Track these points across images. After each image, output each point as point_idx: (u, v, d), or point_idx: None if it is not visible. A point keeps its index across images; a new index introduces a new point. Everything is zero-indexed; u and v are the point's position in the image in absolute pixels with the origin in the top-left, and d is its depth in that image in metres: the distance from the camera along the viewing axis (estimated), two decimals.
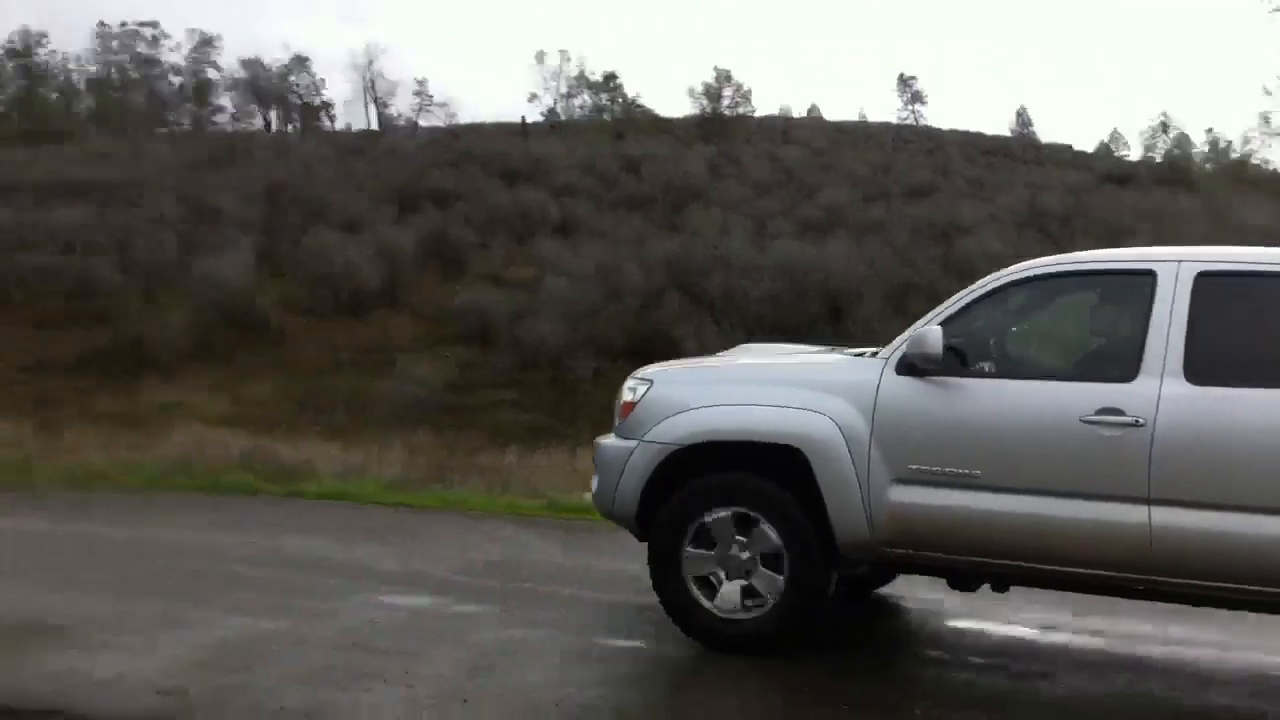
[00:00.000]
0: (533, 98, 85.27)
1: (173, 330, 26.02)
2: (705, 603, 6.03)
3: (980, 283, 6.13)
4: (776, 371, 6.55)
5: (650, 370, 6.64)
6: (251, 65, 65.68)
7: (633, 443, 6.30)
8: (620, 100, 71.64)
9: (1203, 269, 5.60)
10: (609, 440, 6.47)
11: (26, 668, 5.16)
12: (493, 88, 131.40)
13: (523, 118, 57.47)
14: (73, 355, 24.60)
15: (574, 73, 73.52)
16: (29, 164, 38.97)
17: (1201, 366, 5.41)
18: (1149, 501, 5.35)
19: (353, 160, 42.27)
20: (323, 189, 35.34)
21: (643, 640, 6.03)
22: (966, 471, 5.72)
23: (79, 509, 9.87)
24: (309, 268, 29.88)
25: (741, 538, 6.05)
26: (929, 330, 5.76)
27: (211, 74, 66.79)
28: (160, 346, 25.48)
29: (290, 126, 65.65)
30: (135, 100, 66.63)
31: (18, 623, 5.90)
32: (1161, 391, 5.42)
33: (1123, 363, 5.60)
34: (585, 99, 73.22)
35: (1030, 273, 6.07)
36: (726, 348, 7.66)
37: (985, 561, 5.80)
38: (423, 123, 64.25)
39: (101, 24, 66.66)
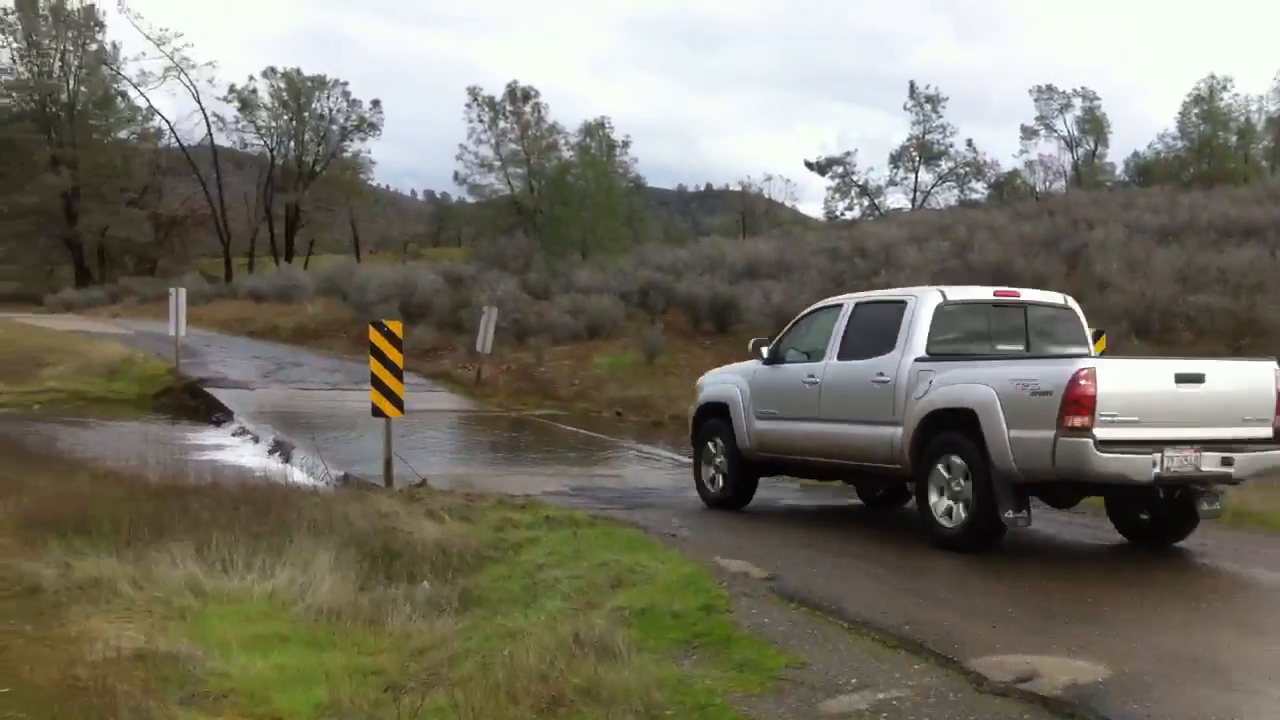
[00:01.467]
0: None
1: None
2: (709, 486, 13.05)
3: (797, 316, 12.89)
4: (736, 365, 13.44)
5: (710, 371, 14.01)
6: None
7: (692, 406, 13.47)
8: None
9: (857, 301, 11.81)
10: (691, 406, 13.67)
11: None
12: None
13: None
14: None
15: None
16: (1204, 206, 40.28)
17: (846, 351, 11.29)
18: (820, 420, 11.44)
19: None
20: None
21: None
22: (774, 411, 12.10)
23: None
24: None
25: (714, 450, 12.92)
26: (755, 339, 12.78)
27: None
28: None
29: None
30: None
31: None
32: (826, 365, 11.45)
33: (822, 353, 11.60)
34: None
35: (807, 310, 12.76)
36: None
37: (790, 458, 12.29)
38: None
39: None
